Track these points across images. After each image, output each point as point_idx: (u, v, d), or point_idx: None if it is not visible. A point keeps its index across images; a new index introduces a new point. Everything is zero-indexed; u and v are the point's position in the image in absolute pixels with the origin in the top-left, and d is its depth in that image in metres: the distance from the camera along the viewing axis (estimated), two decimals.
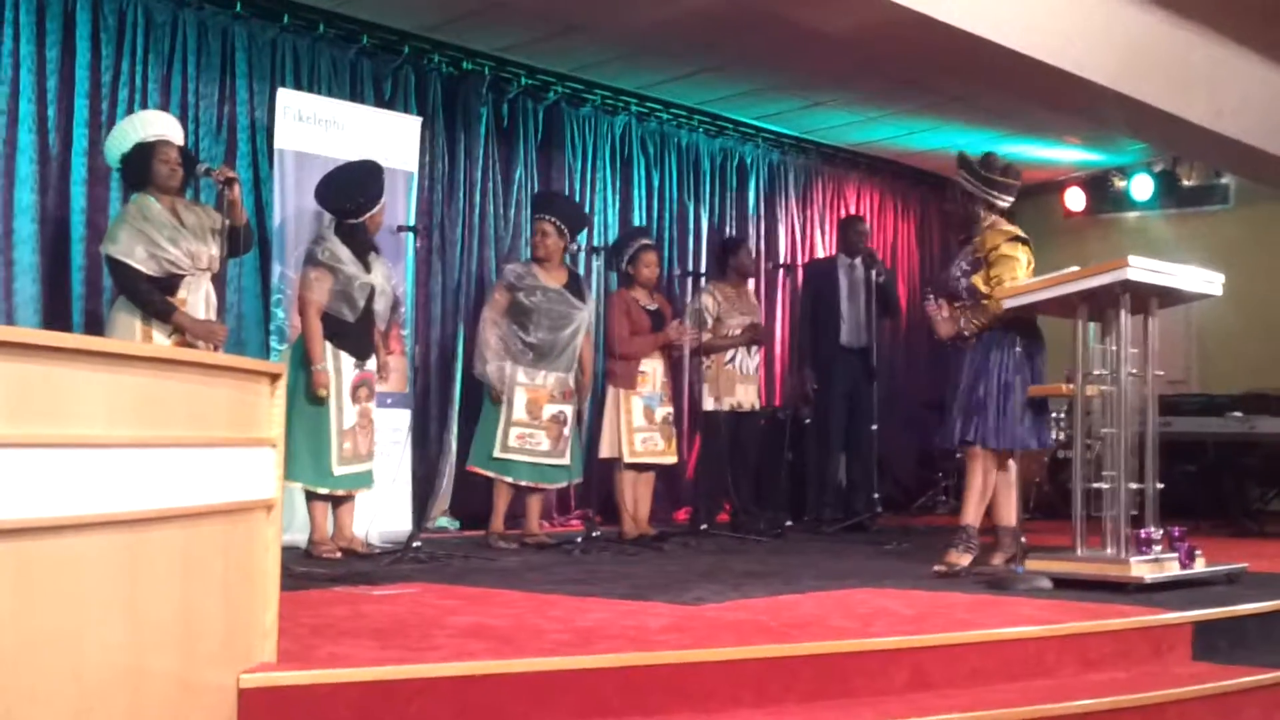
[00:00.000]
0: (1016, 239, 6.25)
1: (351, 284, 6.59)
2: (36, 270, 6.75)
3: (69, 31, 6.95)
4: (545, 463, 7.42)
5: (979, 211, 6.32)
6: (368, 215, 6.68)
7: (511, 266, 7.67)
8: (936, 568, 6.12)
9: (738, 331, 8.54)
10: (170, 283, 5.88)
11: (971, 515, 6.26)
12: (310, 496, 6.59)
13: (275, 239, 7.42)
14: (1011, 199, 6.38)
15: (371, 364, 6.76)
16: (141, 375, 2.86)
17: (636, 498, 7.99)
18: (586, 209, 9.45)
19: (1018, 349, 6.19)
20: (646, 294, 8.08)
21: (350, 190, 6.70)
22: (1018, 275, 6.15)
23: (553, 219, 7.55)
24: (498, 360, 7.32)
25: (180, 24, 7.40)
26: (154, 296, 5.82)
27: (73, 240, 6.86)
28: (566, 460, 7.51)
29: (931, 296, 6.49)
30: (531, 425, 7.34)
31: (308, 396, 6.46)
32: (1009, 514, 6.37)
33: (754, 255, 9.55)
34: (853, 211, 11.55)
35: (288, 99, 7.48)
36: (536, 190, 9.01)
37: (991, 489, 6.29)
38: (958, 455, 6.57)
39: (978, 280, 6.20)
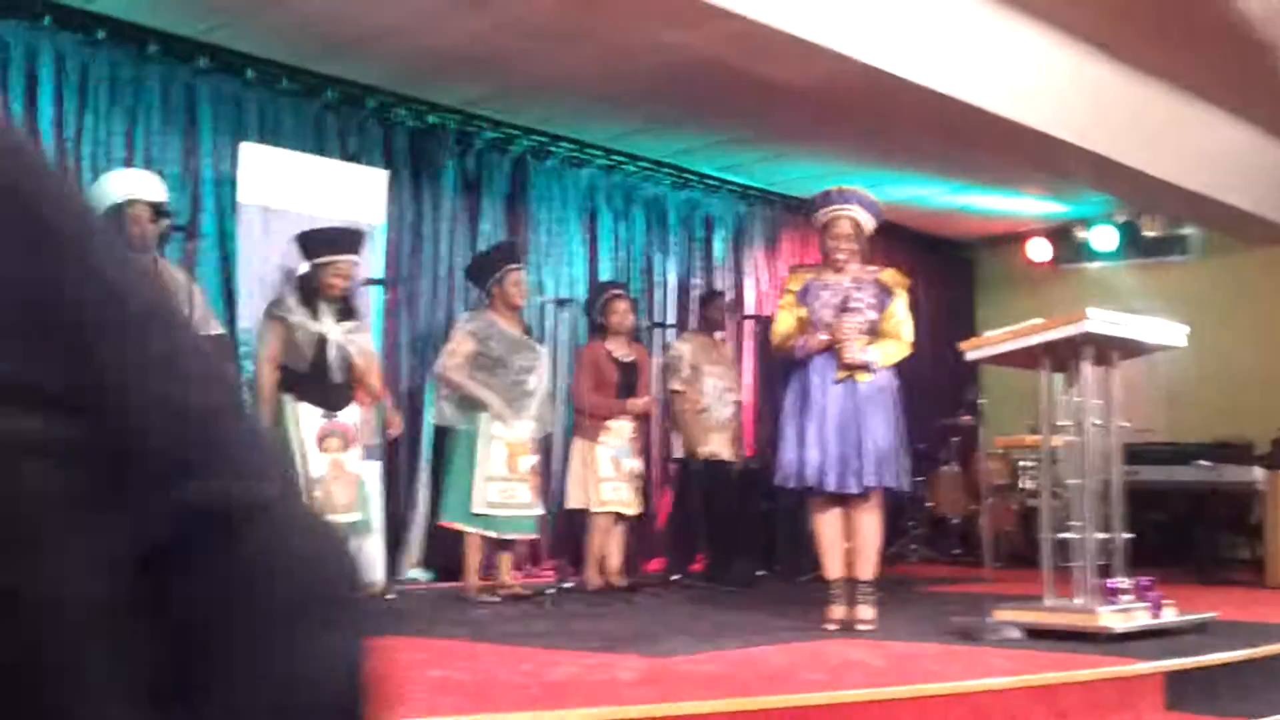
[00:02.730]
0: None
1: (294, 333, 6.52)
2: None
3: (31, 86, 6.93)
4: (524, 514, 7.38)
5: (866, 246, 6.18)
6: (320, 259, 6.61)
7: (470, 316, 7.60)
8: (853, 624, 5.92)
9: (712, 383, 8.58)
10: None
11: (877, 566, 6.05)
12: None
13: (240, 294, 7.39)
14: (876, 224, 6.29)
15: (350, 414, 6.67)
16: None
17: (607, 548, 7.97)
18: (554, 261, 9.49)
19: (898, 388, 6.05)
20: (623, 343, 8.08)
21: (320, 233, 6.73)
22: (910, 318, 6.09)
23: (523, 268, 7.58)
24: (470, 387, 7.25)
25: (144, 79, 7.39)
26: None
27: None
28: (540, 510, 7.50)
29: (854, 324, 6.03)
30: (511, 479, 7.29)
31: None
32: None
33: (727, 308, 9.56)
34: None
35: (252, 153, 7.47)
36: (503, 241, 8.99)
37: None
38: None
39: (881, 318, 6.00)
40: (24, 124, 6.88)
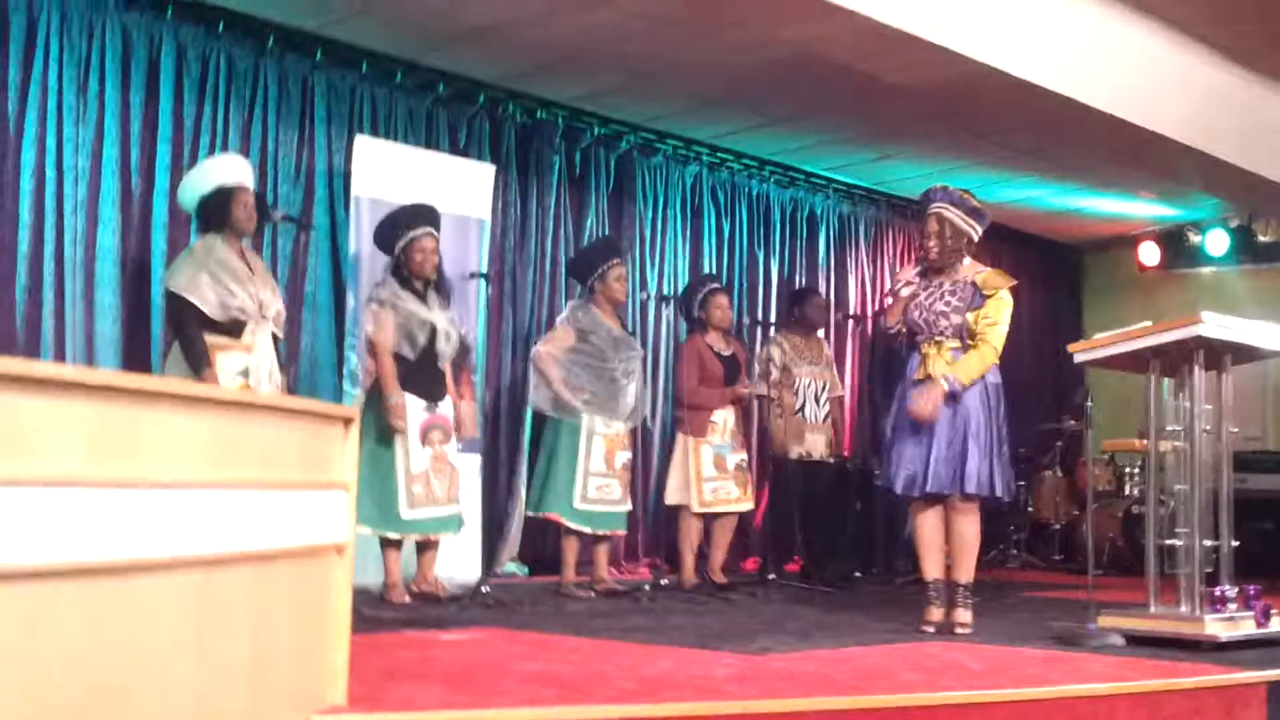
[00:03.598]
0: (1011, 287, 6.09)
1: (411, 320, 6.56)
2: (117, 311, 6.85)
3: (153, 77, 7.08)
4: (616, 510, 7.41)
5: (964, 246, 6.10)
6: (399, 244, 6.64)
7: (574, 307, 7.59)
8: (954, 627, 5.89)
9: (807, 382, 8.55)
10: (234, 328, 5.90)
11: (974, 569, 6.02)
12: (383, 542, 6.53)
13: (351, 283, 7.50)
14: (983, 230, 6.14)
15: (444, 407, 6.68)
16: (216, 417, 2.89)
17: (713, 544, 7.99)
18: (657, 257, 9.54)
19: (1001, 394, 5.98)
20: (721, 338, 8.08)
21: (387, 220, 6.79)
22: (1006, 321, 5.98)
23: (625, 263, 7.61)
24: (560, 389, 7.26)
25: (261, 71, 7.52)
26: (198, 346, 5.76)
27: (153, 283, 6.93)
28: (629, 505, 7.53)
29: (909, 280, 6.15)
30: (608, 475, 7.32)
31: (374, 440, 6.43)
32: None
33: (824, 305, 9.49)
34: None
35: (365, 146, 7.59)
36: (606, 237, 9.02)
37: None
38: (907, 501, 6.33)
39: (972, 318, 5.94)
40: (144, 115, 7.05)
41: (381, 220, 6.87)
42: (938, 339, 5.95)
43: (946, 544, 6.02)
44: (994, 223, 11.21)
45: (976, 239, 6.10)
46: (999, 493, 5.87)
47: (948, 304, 5.96)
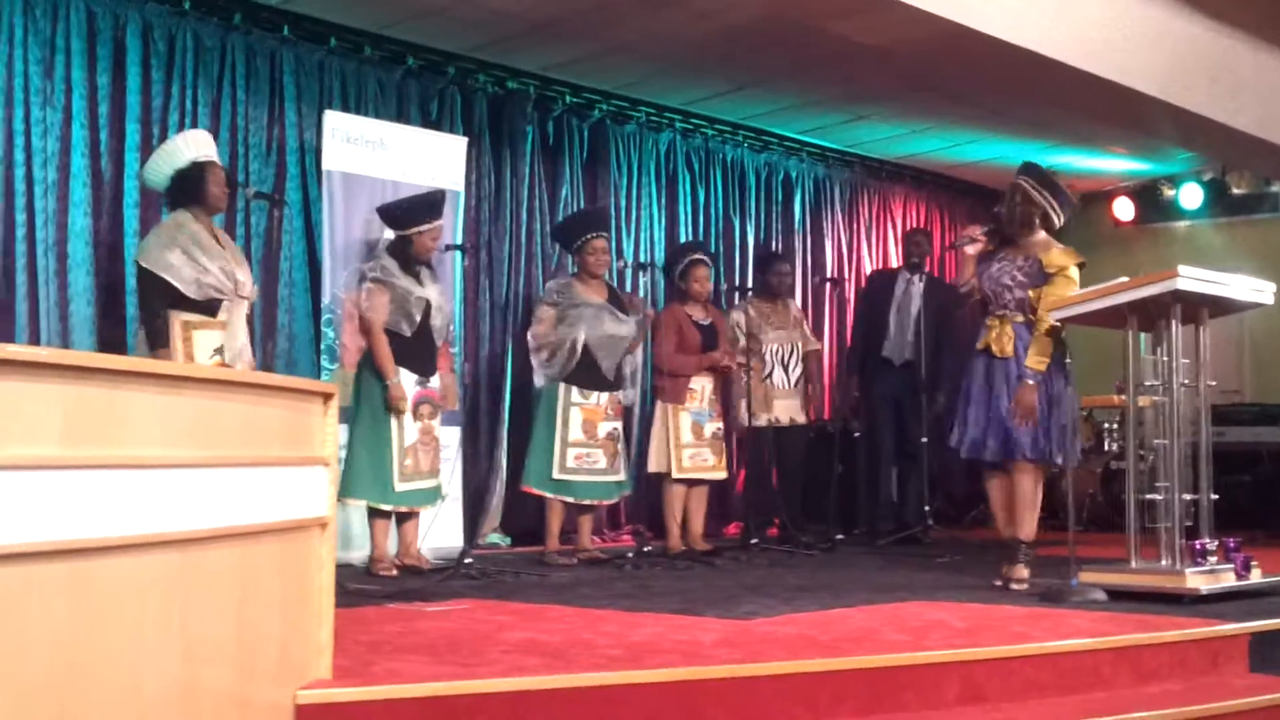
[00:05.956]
0: (1079, 265, 6.19)
1: (407, 299, 6.65)
2: (90, 293, 6.82)
3: (120, 57, 7.02)
4: (602, 480, 7.42)
5: (1036, 220, 6.24)
6: (415, 230, 6.72)
7: (552, 285, 7.65)
8: (1009, 583, 6.09)
9: (775, 348, 8.57)
10: (210, 306, 5.88)
11: (1034, 529, 6.21)
12: (373, 514, 6.62)
13: (325, 260, 7.47)
14: (1066, 216, 6.33)
15: (434, 381, 6.79)
16: (195, 396, 2.89)
17: (689, 512, 7.99)
18: (633, 226, 9.53)
19: (1068, 361, 6.15)
20: (700, 308, 8.07)
21: (405, 204, 6.88)
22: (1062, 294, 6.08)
23: (606, 235, 7.62)
24: (555, 365, 7.30)
25: (229, 48, 7.46)
26: (157, 323, 5.75)
27: (126, 263, 6.89)
28: (621, 476, 7.55)
29: (974, 237, 6.47)
30: (589, 444, 7.33)
31: (370, 415, 6.54)
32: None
33: (789, 271, 9.43)
34: (899, 224, 11.55)
35: (335, 121, 7.54)
36: (583, 208, 9.01)
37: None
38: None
39: (1033, 294, 6.12)
40: (111, 95, 7.00)
41: (402, 201, 6.96)
42: (1000, 313, 6.19)
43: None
44: (969, 182, 11.22)
45: (1058, 219, 6.29)
46: (1053, 457, 6.07)
47: (1014, 279, 6.18)
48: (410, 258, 6.74)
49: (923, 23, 6.73)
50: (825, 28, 7.16)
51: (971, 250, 6.41)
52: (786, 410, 8.60)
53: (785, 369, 8.64)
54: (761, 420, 8.47)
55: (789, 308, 9.01)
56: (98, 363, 2.60)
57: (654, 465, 7.94)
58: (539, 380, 7.42)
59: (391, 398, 6.52)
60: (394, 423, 6.56)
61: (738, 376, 8.20)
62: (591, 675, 3.59)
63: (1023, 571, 6.08)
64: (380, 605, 5.25)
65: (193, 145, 6.10)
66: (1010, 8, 6.98)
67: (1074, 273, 6.12)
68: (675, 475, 7.84)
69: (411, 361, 6.68)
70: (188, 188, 5.98)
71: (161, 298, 5.77)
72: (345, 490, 6.42)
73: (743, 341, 8.40)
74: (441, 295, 6.92)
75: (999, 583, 6.11)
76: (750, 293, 9.01)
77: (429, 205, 6.85)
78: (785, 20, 7.29)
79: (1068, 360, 6.16)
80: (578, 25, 8.00)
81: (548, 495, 7.33)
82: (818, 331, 10.41)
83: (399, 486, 6.57)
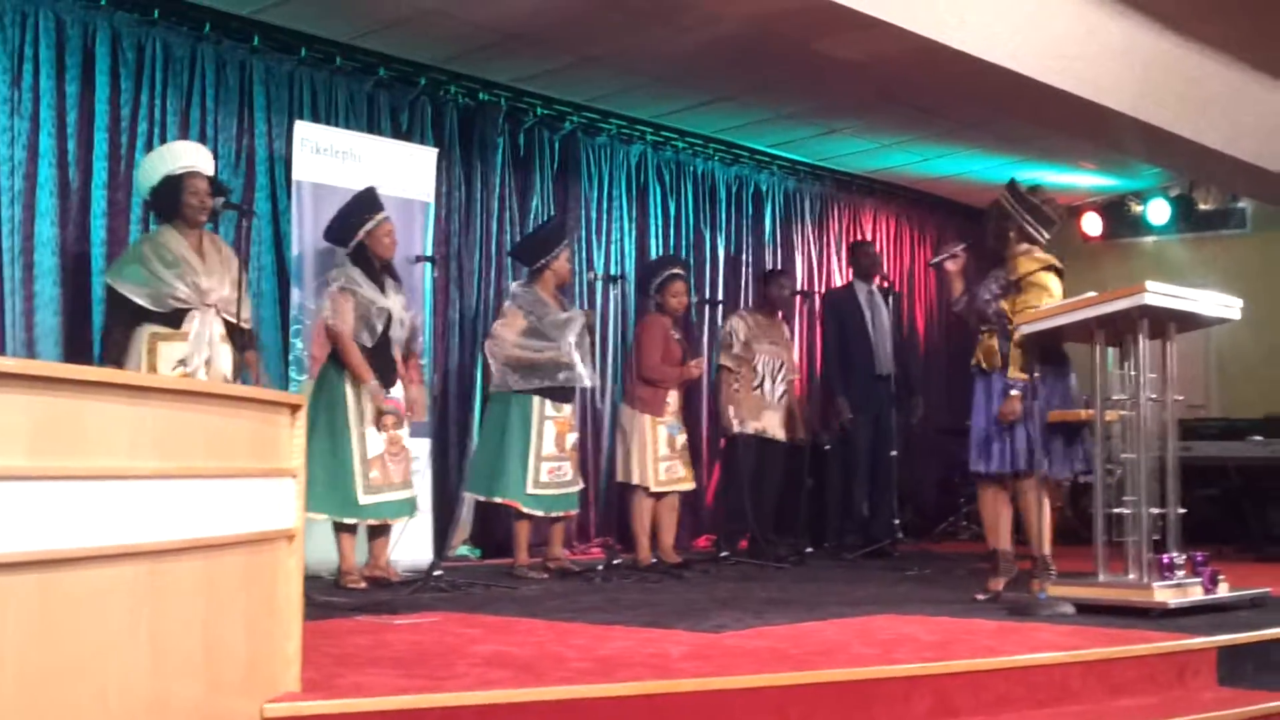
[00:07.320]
0: (1050, 267, 6.25)
1: (369, 309, 6.60)
2: (57, 303, 6.77)
3: (88, 66, 6.98)
4: (569, 491, 7.40)
5: (1011, 235, 6.30)
6: (360, 235, 6.69)
7: (518, 289, 7.54)
8: (982, 596, 6.13)
9: (766, 359, 8.59)
10: (174, 317, 5.86)
11: (1048, 542, 6.21)
12: (338, 527, 6.56)
13: (294, 270, 7.45)
14: (1047, 234, 6.37)
15: (396, 391, 6.72)
16: (162, 407, 2.87)
17: (660, 525, 7.97)
18: (604, 238, 9.53)
19: (1072, 375, 6.24)
20: (674, 322, 8.07)
21: (338, 219, 6.84)
22: (1046, 304, 6.11)
23: (571, 245, 7.62)
24: (516, 351, 7.26)
25: (199, 57, 7.43)
26: (114, 335, 5.78)
27: (93, 273, 6.85)
28: (581, 484, 7.54)
29: (953, 253, 6.65)
30: (560, 457, 7.31)
31: (327, 427, 6.48)
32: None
33: (789, 285, 9.44)
34: (868, 238, 11.56)
35: (305, 131, 7.52)
36: (553, 219, 8.98)
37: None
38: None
39: (1006, 305, 6.17)
40: (80, 104, 6.95)
41: (335, 216, 6.89)
42: (985, 328, 6.34)
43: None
44: (938, 197, 11.26)
45: (1039, 235, 6.37)
46: (1050, 469, 6.12)
47: (991, 292, 6.33)
48: (372, 263, 6.70)
49: (896, 38, 6.75)
50: (798, 43, 7.18)
51: (952, 266, 6.49)
52: (772, 423, 8.61)
53: (774, 382, 8.65)
54: (750, 428, 8.47)
55: (783, 327, 9.05)
56: (65, 373, 2.58)
57: (626, 476, 7.88)
58: (509, 385, 7.30)
59: (374, 398, 6.50)
60: (353, 434, 6.50)
61: (727, 375, 8.22)
62: (561, 689, 3.58)
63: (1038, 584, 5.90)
64: (349, 618, 5.22)
65: (168, 159, 6.10)
66: (982, 24, 7.02)
67: (1045, 278, 6.18)
68: (651, 488, 7.81)
69: (375, 372, 6.61)
70: (165, 202, 6.03)
71: (121, 311, 5.79)
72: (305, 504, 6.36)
73: (737, 348, 8.44)
74: (404, 307, 6.85)
75: (981, 596, 6.13)
76: (726, 304, 9.06)
77: (366, 204, 6.79)
78: (759, 35, 7.32)
79: (1072, 373, 6.24)
80: (549, 38, 8.00)
81: (525, 509, 7.24)
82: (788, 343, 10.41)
83: (364, 499, 6.51)
